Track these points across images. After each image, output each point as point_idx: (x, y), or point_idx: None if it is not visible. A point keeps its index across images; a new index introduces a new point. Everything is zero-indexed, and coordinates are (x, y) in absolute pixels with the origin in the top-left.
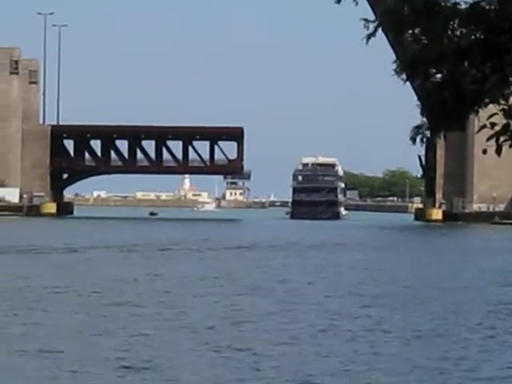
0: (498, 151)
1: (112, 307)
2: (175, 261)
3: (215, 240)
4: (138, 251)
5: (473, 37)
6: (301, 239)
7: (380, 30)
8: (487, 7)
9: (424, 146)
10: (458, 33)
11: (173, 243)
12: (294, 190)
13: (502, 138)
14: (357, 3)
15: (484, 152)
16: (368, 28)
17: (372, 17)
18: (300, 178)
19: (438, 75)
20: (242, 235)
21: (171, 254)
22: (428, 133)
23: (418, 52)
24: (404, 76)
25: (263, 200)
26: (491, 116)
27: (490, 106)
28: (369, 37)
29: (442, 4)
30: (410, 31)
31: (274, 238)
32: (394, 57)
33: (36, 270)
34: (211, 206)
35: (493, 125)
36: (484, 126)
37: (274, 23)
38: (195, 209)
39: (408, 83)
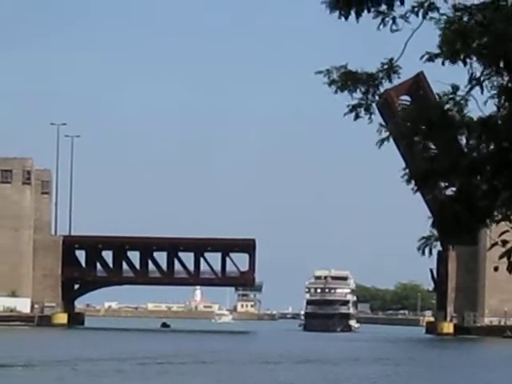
0: (510, 269)
1: None
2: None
3: (234, 353)
4: (152, 364)
5: (484, 150)
6: (318, 352)
7: (391, 137)
8: (498, 121)
9: (435, 258)
10: (469, 145)
11: (188, 356)
12: (307, 303)
13: None
14: (371, 121)
15: (496, 269)
16: (381, 133)
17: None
18: (313, 290)
19: (449, 188)
20: (263, 348)
21: (187, 368)
22: (436, 243)
23: (428, 164)
24: (414, 186)
25: (274, 312)
26: (503, 233)
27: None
28: (382, 141)
29: (457, 116)
30: (420, 140)
31: (294, 350)
32: (403, 165)
33: (47, 382)
34: (228, 318)
35: (504, 242)
36: (495, 244)
37: (282, 130)
38: (213, 320)
39: (419, 194)
